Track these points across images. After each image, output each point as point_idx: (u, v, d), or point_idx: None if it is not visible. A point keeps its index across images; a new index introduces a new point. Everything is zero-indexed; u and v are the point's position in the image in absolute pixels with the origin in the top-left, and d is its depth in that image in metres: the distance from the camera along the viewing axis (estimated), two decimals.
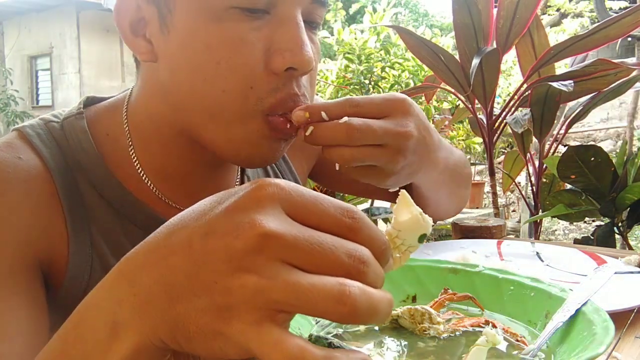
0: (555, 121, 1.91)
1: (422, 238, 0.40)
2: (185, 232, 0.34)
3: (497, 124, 1.95)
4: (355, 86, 3.87)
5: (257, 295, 0.31)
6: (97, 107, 0.68)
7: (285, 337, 0.30)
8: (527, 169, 2.09)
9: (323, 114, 0.54)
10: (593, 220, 2.96)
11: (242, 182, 0.74)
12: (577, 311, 0.50)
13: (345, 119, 0.54)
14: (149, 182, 0.64)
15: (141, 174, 0.64)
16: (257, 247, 0.31)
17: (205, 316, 0.32)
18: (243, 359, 0.33)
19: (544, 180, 2.00)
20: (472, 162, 4.40)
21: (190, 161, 0.64)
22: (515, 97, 1.91)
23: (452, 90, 1.99)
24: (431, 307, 0.54)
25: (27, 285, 0.55)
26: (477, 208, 6.10)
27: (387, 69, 3.96)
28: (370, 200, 2.25)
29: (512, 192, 5.29)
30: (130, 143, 0.64)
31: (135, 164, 0.64)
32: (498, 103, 3.93)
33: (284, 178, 0.81)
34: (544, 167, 1.96)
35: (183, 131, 0.61)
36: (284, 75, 0.55)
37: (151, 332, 0.34)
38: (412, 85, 3.83)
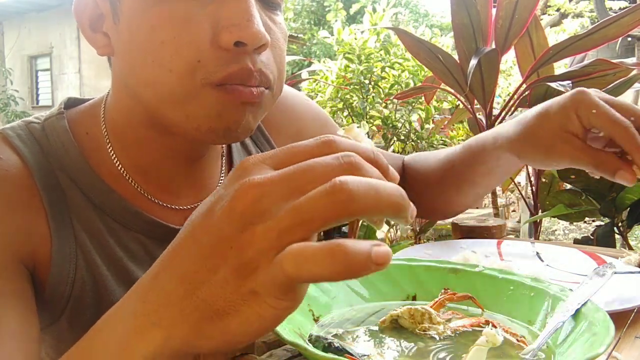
0: None
1: None
2: (189, 225, 0.35)
3: (496, 124, 1.95)
4: (355, 86, 3.86)
5: (268, 236, 0.31)
6: (78, 108, 0.68)
7: (310, 244, 0.29)
8: (527, 169, 2.09)
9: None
10: (593, 220, 2.96)
11: (227, 174, 0.73)
12: (577, 311, 0.50)
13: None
14: (130, 178, 0.64)
15: (122, 171, 0.64)
16: (254, 199, 0.31)
17: (229, 285, 0.32)
18: (278, 323, 0.33)
19: (544, 180, 2.00)
20: None
21: (165, 155, 0.64)
22: (515, 97, 1.91)
23: (452, 91, 1.99)
24: (431, 307, 0.54)
25: (15, 286, 0.55)
26: (477, 208, 6.10)
27: (387, 69, 3.96)
28: None
29: (511, 192, 5.29)
30: (108, 141, 0.64)
31: (115, 162, 0.64)
32: (498, 103, 3.93)
33: None
34: None
35: (150, 123, 0.61)
36: (234, 50, 0.53)
37: (170, 335, 0.33)
38: (412, 85, 3.83)
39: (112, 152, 0.64)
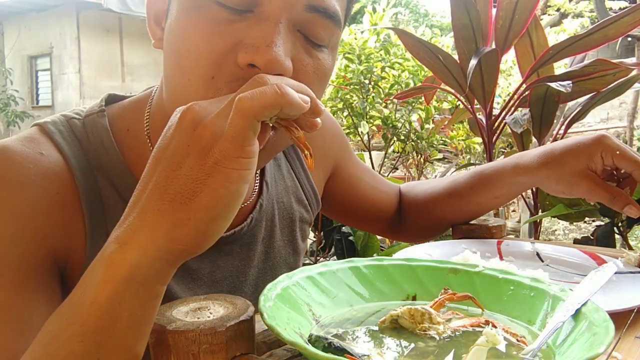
0: (555, 121, 1.91)
1: None
2: (151, 160, 0.44)
3: (496, 124, 1.96)
4: (355, 86, 3.86)
5: (216, 121, 0.42)
6: (121, 104, 0.69)
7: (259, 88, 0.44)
8: None
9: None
10: (593, 220, 2.96)
11: (260, 186, 0.76)
12: (577, 311, 0.50)
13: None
14: None
15: None
16: (195, 110, 0.44)
17: (194, 169, 0.40)
18: (244, 183, 0.42)
19: None
20: (472, 162, 4.40)
21: None
22: (515, 97, 1.91)
23: (452, 91, 1.99)
24: (431, 307, 0.54)
25: (44, 282, 0.55)
26: None
27: (387, 69, 3.96)
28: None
29: None
30: (149, 139, 0.64)
31: None
32: (498, 103, 3.93)
33: (297, 177, 0.83)
34: None
35: None
36: (248, 70, 0.53)
37: (150, 236, 0.39)
38: (412, 85, 3.83)
39: (152, 148, 0.64)
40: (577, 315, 0.49)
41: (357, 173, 0.95)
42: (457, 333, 0.51)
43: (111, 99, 0.69)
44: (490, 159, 2.01)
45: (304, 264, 0.75)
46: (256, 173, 0.75)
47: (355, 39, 4.06)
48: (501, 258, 0.83)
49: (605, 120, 7.97)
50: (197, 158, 0.40)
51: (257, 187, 0.75)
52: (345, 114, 3.97)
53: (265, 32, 0.53)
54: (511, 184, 0.87)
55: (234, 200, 0.41)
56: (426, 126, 4.07)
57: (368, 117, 3.93)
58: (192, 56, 0.54)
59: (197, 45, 0.54)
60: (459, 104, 2.48)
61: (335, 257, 2.03)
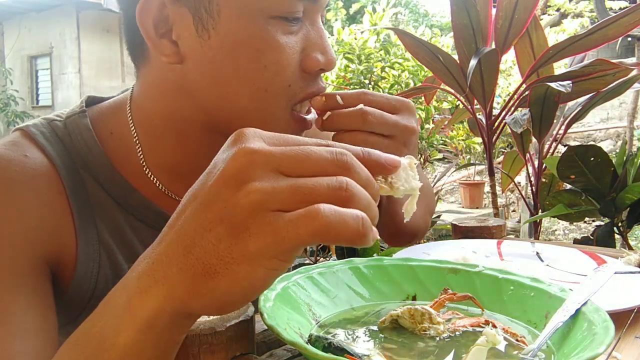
0: (555, 121, 1.91)
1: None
2: (189, 193, 0.38)
3: (496, 124, 1.96)
4: (355, 86, 3.86)
5: (264, 199, 0.33)
6: (100, 106, 0.68)
7: (295, 212, 0.33)
8: (527, 169, 2.09)
9: (338, 98, 0.61)
10: (593, 220, 2.96)
11: None
12: (577, 311, 0.50)
13: (361, 106, 0.60)
14: (154, 178, 0.65)
15: (147, 172, 0.64)
16: (247, 163, 0.34)
17: (223, 242, 0.34)
18: (268, 284, 0.36)
19: (544, 180, 2.00)
20: (472, 162, 4.40)
21: (205, 156, 0.65)
22: (515, 97, 1.91)
23: (452, 91, 1.99)
24: (431, 307, 0.54)
25: (36, 284, 0.55)
26: (477, 208, 6.10)
27: (386, 69, 3.96)
28: None
29: (512, 192, 5.29)
30: (137, 140, 0.64)
31: (141, 162, 0.64)
32: (498, 103, 3.94)
33: None
34: (544, 167, 1.96)
35: (208, 127, 0.63)
36: (315, 74, 0.61)
37: (169, 293, 0.36)
38: (412, 85, 3.83)
39: (140, 151, 0.64)
40: (577, 315, 0.49)
41: None
42: (457, 333, 0.51)
43: (91, 101, 0.69)
44: (490, 159, 2.01)
45: (304, 264, 0.74)
46: None
47: (355, 39, 4.06)
48: (501, 258, 0.83)
49: (605, 120, 7.98)
50: (228, 232, 0.34)
51: None
52: None
53: (320, 37, 0.61)
54: None
55: (255, 293, 0.36)
56: (426, 126, 4.07)
57: None
58: (271, 71, 0.58)
59: (275, 61, 0.58)
60: (459, 104, 2.48)
61: (335, 257, 2.03)
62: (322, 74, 0.63)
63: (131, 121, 0.65)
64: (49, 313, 0.55)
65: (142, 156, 0.64)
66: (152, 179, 0.64)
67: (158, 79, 0.63)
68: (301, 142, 0.37)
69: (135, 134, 0.64)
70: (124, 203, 0.63)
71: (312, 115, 0.65)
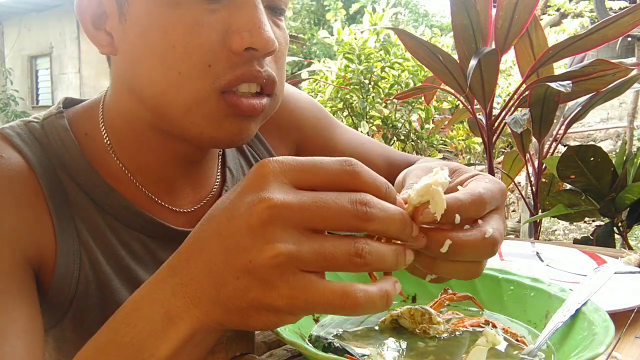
0: (555, 121, 1.91)
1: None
2: (214, 221, 0.38)
3: (496, 124, 1.96)
4: (355, 86, 3.87)
5: (289, 263, 0.35)
6: (76, 108, 0.68)
7: (328, 282, 0.36)
8: (527, 169, 2.09)
9: (457, 217, 0.43)
10: (593, 220, 2.96)
11: (222, 175, 0.74)
12: (577, 311, 0.50)
13: (489, 231, 0.47)
14: (132, 177, 0.64)
15: (125, 171, 0.64)
16: (269, 218, 0.35)
17: (251, 293, 0.36)
18: (295, 322, 0.38)
19: (544, 180, 2.00)
20: (472, 162, 4.40)
21: (166, 155, 0.64)
22: (515, 97, 1.91)
23: (452, 91, 1.99)
24: (431, 307, 0.54)
25: (21, 285, 0.55)
26: None
27: (386, 69, 3.96)
28: None
29: (512, 192, 5.29)
30: (108, 142, 0.64)
31: (116, 161, 0.64)
32: (498, 103, 3.93)
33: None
34: (544, 167, 1.96)
35: (153, 126, 0.61)
36: (244, 55, 0.55)
37: (206, 317, 0.38)
38: (412, 85, 3.83)
39: (113, 153, 0.64)
40: (577, 315, 0.49)
41: (341, 138, 0.88)
42: (457, 333, 0.51)
43: (68, 103, 0.69)
44: (490, 159, 2.01)
45: None
46: (218, 162, 0.74)
47: (355, 39, 4.06)
48: (501, 258, 0.83)
49: (605, 120, 7.97)
50: (257, 286, 0.36)
51: (220, 176, 0.74)
52: (345, 114, 3.97)
53: (252, 15, 0.55)
54: None
55: (279, 326, 0.39)
56: (426, 126, 4.07)
57: (368, 117, 3.93)
58: (179, 50, 0.54)
59: (184, 39, 0.54)
60: (459, 104, 2.49)
61: None
62: (263, 57, 0.57)
63: (102, 122, 0.65)
64: (36, 313, 0.55)
65: (115, 158, 0.64)
66: (130, 177, 0.64)
67: (114, 76, 0.63)
68: (330, 173, 0.37)
69: (105, 135, 0.64)
70: (103, 204, 0.62)
71: (265, 101, 0.59)
